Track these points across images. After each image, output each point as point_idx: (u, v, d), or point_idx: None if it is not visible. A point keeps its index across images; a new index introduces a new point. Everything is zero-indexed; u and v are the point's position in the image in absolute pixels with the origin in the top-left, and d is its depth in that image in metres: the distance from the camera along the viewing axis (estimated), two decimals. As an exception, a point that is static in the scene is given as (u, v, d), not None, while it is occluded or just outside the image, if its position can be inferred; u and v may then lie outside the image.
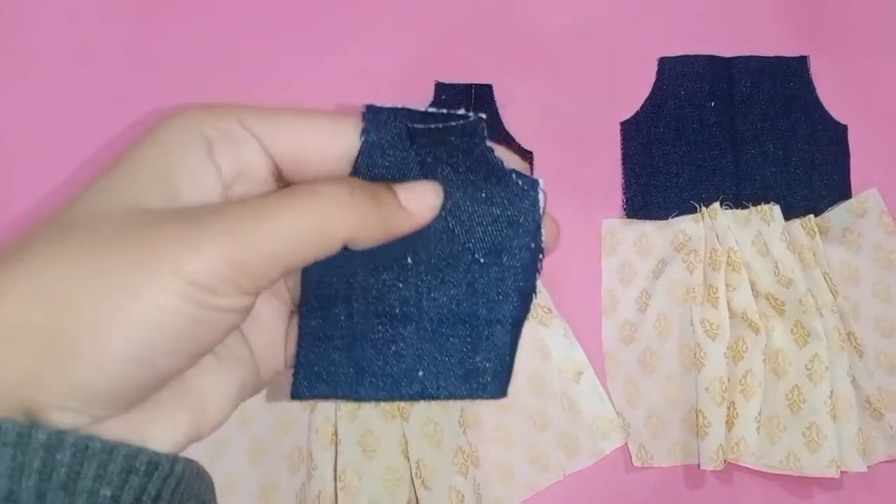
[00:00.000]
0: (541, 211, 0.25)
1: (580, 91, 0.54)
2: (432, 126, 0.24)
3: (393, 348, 0.25)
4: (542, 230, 0.25)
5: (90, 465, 0.20)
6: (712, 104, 0.53)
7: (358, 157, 0.25)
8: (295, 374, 0.25)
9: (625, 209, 0.52)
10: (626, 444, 0.47)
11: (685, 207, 0.51)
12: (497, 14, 0.55)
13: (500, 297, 0.25)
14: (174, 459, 0.22)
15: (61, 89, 0.53)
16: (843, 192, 0.52)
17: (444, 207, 0.25)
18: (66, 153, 0.51)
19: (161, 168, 0.22)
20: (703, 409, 0.45)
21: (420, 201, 0.25)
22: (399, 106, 0.24)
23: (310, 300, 0.25)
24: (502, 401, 0.47)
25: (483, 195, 0.25)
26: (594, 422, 0.48)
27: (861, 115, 0.53)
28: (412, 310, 0.26)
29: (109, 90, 0.53)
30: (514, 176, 0.25)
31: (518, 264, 0.25)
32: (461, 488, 0.44)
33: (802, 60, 0.54)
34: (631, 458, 0.47)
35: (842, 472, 0.44)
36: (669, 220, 0.51)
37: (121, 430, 0.21)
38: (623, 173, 0.52)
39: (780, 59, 0.54)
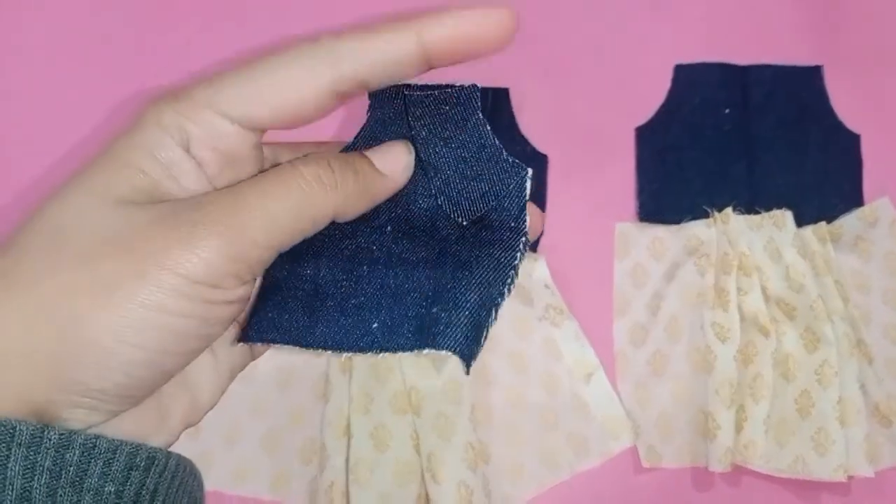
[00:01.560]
0: (527, 193, 0.25)
1: (596, 96, 0.54)
2: (429, 92, 0.25)
3: (353, 301, 0.25)
4: (526, 214, 0.25)
5: (97, 464, 0.21)
6: (727, 111, 0.53)
7: (361, 130, 0.26)
8: (248, 319, 0.25)
9: (638, 213, 0.52)
10: (636, 444, 0.48)
11: (698, 212, 0.51)
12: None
13: (473, 259, 0.25)
14: (169, 455, 0.23)
15: (49, 80, 0.54)
16: (855, 200, 0.52)
17: (433, 184, 0.26)
18: (53, 144, 0.53)
19: (142, 171, 0.22)
20: (713, 411, 0.46)
21: (395, 164, 0.25)
22: (402, 83, 0.24)
23: (281, 255, 0.24)
24: (513, 398, 0.48)
25: (472, 171, 0.26)
26: (604, 422, 0.48)
27: (874, 125, 0.53)
28: (380, 268, 0.25)
29: (99, 82, 0.54)
30: (504, 153, 0.25)
31: (496, 238, 0.25)
32: (470, 483, 0.45)
33: (817, 70, 0.54)
34: (640, 458, 0.48)
35: (849, 477, 0.45)
36: (682, 224, 0.51)
37: (128, 423, 0.22)
38: (637, 178, 0.53)
39: (794, 69, 0.54)
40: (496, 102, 0.54)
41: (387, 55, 0.23)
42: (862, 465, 0.45)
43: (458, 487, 0.44)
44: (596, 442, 0.48)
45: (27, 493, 0.20)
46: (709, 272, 0.49)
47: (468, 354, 0.24)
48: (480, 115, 0.25)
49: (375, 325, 0.25)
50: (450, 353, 0.23)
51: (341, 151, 0.26)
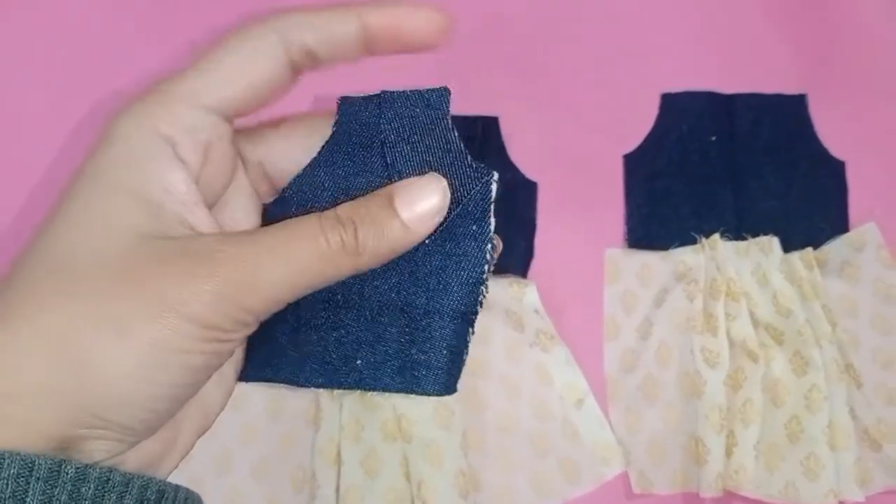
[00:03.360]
0: (492, 197, 0.24)
1: (584, 124, 0.55)
2: (404, 91, 0.25)
3: (334, 335, 0.25)
4: (492, 218, 0.24)
5: (110, 497, 0.21)
6: (713, 139, 0.54)
7: (326, 143, 0.26)
8: (245, 359, 0.26)
9: (627, 239, 0.53)
10: (627, 470, 0.48)
11: (686, 238, 0.52)
12: (504, 49, 0.57)
13: (441, 286, 0.24)
14: (177, 489, 0.23)
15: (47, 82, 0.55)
16: (841, 226, 0.53)
17: None
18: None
19: (134, 187, 0.22)
20: (703, 436, 0.46)
21: (425, 216, 0.24)
22: (372, 94, 0.25)
23: None
24: (504, 424, 0.48)
25: (440, 164, 0.25)
26: (595, 448, 0.48)
27: (859, 152, 0.54)
28: (354, 297, 0.25)
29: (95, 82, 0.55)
30: (469, 159, 0.25)
31: (461, 251, 0.24)
32: (462, 511, 0.45)
33: (801, 98, 0.55)
34: (631, 484, 0.48)
35: (840, 502, 0.45)
36: (671, 250, 0.52)
37: (148, 444, 0.23)
38: (626, 204, 0.54)
39: (779, 97, 0.55)
40: (486, 130, 0.55)
41: (331, 29, 0.23)
42: (852, 490, 0.45)
43: (450, 515, 0.44)
44: (587, 468, 0.48)
45: None
46: (697, 298, 0.49)
47: (452, 386, 0.24)
48: (449, 119, 0.25)
49: (360, 361, 0.25)
50: (435, 394, 0.24)
51: (308, 171, 0.26)
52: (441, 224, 0.24)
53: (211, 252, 0.22)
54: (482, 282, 0.24)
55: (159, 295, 0.21)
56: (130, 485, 0.22)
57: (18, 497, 0.20)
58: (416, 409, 0.46)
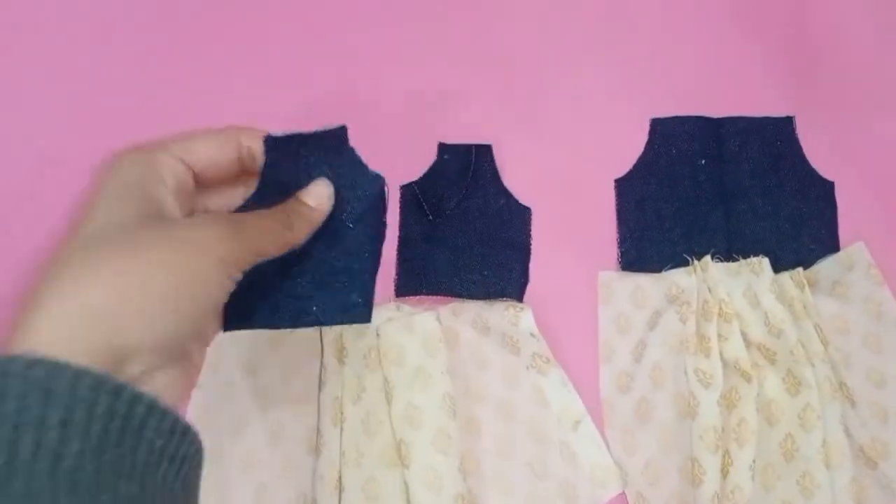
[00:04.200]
0: (385, 194, 0.40)
1: (576, 150, 0.56)
2: (314, 132, 0.38)
3: (298, 291, 0.38)
4: (387, 205, 0.40)
5: (153, 419, 0.28)
6: (703, 162, 0.55)
7: (263, 169, 0.38)
8: (225, 313, 0.35)
9: (620, 262, 0.54)
10: (624, 492, 0.48)
11: (678, 261, 0.53)
12: (496, 79, 0.58)
13: (365, 253, 0.39)
14: (196, 435, 0.31)
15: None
16: (831, 245, 0.53)
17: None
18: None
19: (146, 197, 0.33)
20: (698, 457, 0.46)
21: (320, 198, 0.38)
22: (291, 133, 0.38)
23: None
24: (502, 447, 0.49)
25: (349, 182, 0.39)
26: (592, 470, 0.49)
27: (847, 172, 0.55)
28: (309, 264, 0.38)
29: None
30: (368, 168, 0.39)
31: (370, 231, 0.39)
32: (461, 535, 0.45)
33: (789, 121, 0.56)
34: (629, 506, 0.48)
35: (836, 521, 0.45)
36: (663, 272, 0.52)
37: (164, 378, 0.31)
38: (618, 228, 0.54)
39: (767, 120, 0.56)
40: (480, 157, 0.56)
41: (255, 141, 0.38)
42: (848, 509, 0.45)
43: (449, 539, 0.45)
44: (585, 490, 0.48)
45: (106, 432, 0.26)
46: (690, 319, 0.50)
47: (370, 317, 0.38)
48: (349, 145, 0.39)
49: (314, 307, 0.38)
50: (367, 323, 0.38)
51: (254, 195, 0.38)
52: (358, 212, 0.39)
53: (219, 217, 0.34)
54: (379, 249, 0.39)
55: (188, 239, 0.31)
56: (166, 413, 0.28)
57: (91, 409, 0.26)
58: (413, 433, 0.46)
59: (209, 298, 0.31)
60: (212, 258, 0.31)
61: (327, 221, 0.38)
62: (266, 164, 0.38)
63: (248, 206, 0.38)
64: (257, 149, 0.38)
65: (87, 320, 0.28)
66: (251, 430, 0.49)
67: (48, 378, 0.26)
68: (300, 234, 0.37)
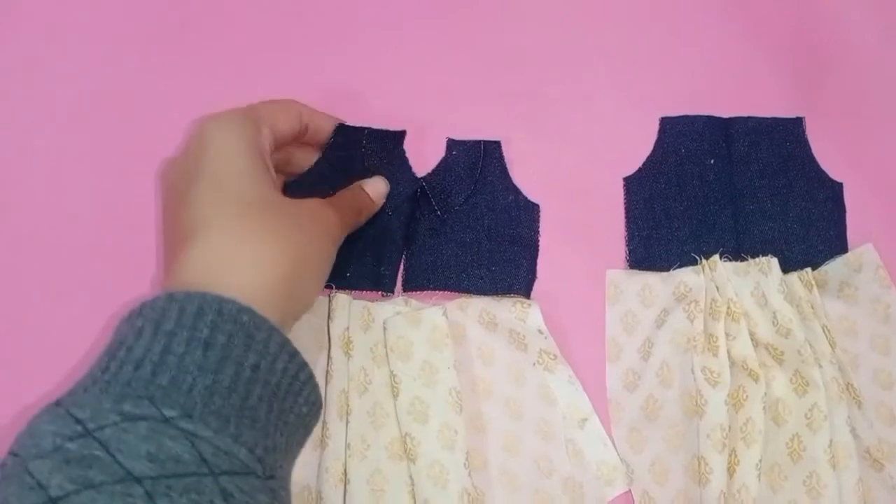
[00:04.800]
0: (418, 194, 0.52)
1: (585, 148, 0.56)
2: (379, 129, 0.51)
3: (337, 261, 0.45)
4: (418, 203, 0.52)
5: (283, 356, 0.35)
6: (712, 162, 0.55)
7: (326, 149, 0.50)
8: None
9: (628, 261, 0.54)
10: (630, 490, 0.48)
11: (686, 259, 0.53)
12: (506, 75, 0.58)
13: (396, 236, 0.51)
14: (322, 405, 0.40)
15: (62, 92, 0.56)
16: (839, 246, 0.53)
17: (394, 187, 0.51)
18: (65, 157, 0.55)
19: (266, 167, 0.41)
20: (705, 455, 0.46)
21: (379, 194, 0.49)
22: (359, 125, 0.51)
23: None
24: (508, 444, 0.48)
25: (394, 178, 0.50)
26: (598, 468, 0.49)
27: (856, 173, 0.55)
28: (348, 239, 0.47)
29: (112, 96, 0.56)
30: (411, 171, 0.52)
31: (403, 219, 0.51)
32: (466, 530, 0.45)
33: (798, 121, 0.56)
34: (634, 504, 0.48)
35: (843, 522, 0.45)
36: (671, 271, 0.52)
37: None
38: (626, 227, 0.54)
39: (776, 120, 0.56)
40: (488, 153, 0.56)
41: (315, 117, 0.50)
42: (855, 510, 0.45)
43: (454, 534, 0.45)
44: (591, 488, 0.48)
45: (278, 387, 0.34)
46: (698, 318, 0.50)
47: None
48: (403, 147, 0.53)
49: (348, 273, 0.50)
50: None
51: (314, 167, 0.50)
52: (400, 199, 0.51)
53: (324, 203, 0.44)
54: (409, 223, 0.52)
55: (314, 219, 0.41)
56: (317, 389, 0.38)
57: (273, 364, 0.34)
58: (420, 427, 0.46)
59: (331, 266, 0.42)
60: (333, 235, 0.42)
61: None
62: (330, 145, 0.50)
63: (306, 176, 0.49)
64: (316, 126, 0.48)
65: (278, 287, 0.36)
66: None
67: (252, 326, 0.33)
68: (363, 219, 0.48)
